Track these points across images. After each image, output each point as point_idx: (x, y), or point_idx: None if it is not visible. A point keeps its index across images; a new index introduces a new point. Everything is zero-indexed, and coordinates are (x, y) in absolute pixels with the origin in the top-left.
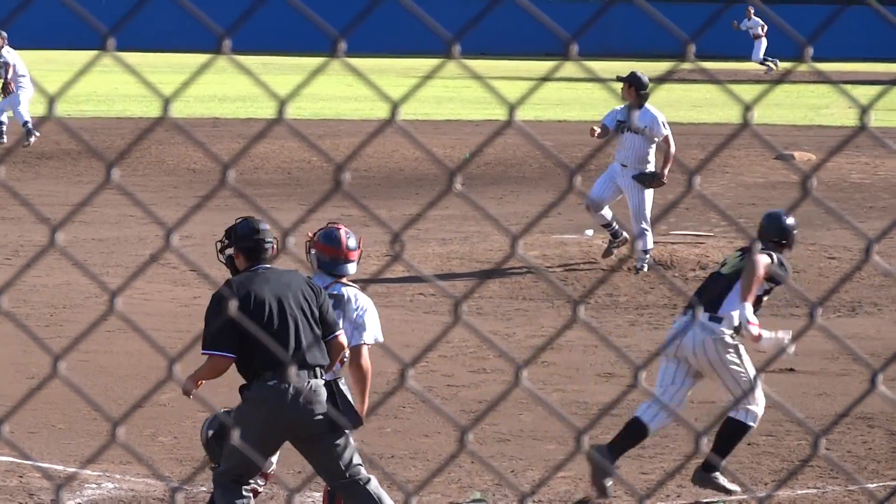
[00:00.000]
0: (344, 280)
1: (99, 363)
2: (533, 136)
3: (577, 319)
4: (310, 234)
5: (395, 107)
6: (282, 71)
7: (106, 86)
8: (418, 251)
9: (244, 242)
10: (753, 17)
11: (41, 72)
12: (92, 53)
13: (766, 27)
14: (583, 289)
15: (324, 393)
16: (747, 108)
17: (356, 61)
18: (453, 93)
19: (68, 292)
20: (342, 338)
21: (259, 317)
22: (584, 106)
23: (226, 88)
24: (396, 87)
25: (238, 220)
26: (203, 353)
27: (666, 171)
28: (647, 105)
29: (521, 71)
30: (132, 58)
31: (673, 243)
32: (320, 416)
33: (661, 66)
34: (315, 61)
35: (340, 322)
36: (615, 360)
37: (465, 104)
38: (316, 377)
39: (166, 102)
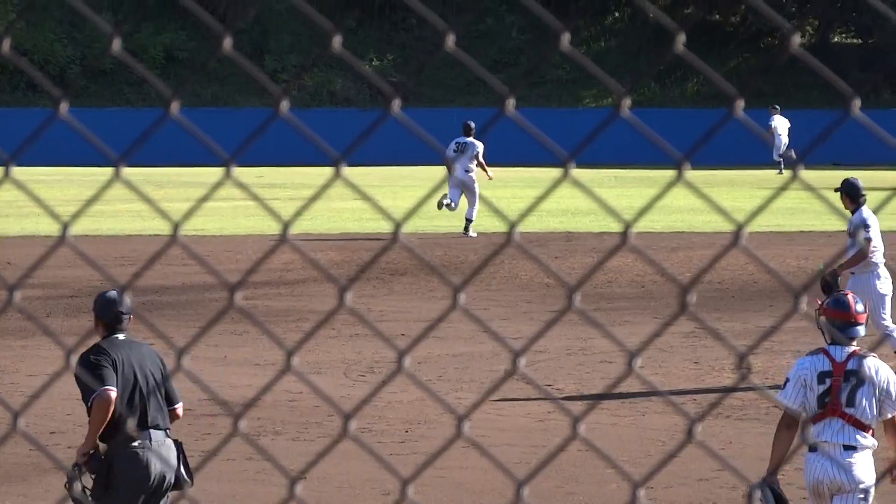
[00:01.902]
0: (856, 346)
1: (455, 478)
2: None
3: None
4: (818, 301)
5: (739, 228)
6: (633, 184)
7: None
8: (773, 363)
9: (107, 316)
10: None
11: (391, 189)
12: (439, 169)
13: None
14: None
15: (175, 453)
16: None
17: (702, 174)
18: (806, 204)
19: (423, 408)
20: (179, 410)
21: (123, 381)
22: None
23: (578, 202)
24: (750, 199)
25: (101, 294)
26: (94, 396)
27: (840, 269)
28: (863, 209)
29: (875, 181)
30: (481, 174)
31: None
32: (171, 474)
33: None
34: (666, 174)
35: None
36: None
37: (817, 215)
38: (168, 438)
39: (513, 226)
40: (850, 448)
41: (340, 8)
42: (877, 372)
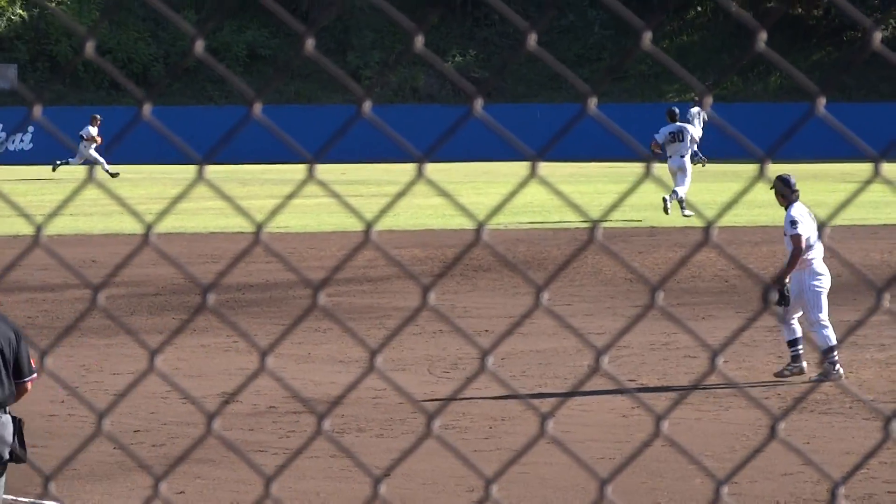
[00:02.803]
0: None
1: (539, 474)
2: None
3: None
4: None
5: (823, 224)
6: (716, 178)
7: (542, 196)
8: (857, 357)
9: None
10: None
11: (474, 185)
12: (523, 165)
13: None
14: None
15: (11, 429)
16: None
17: (785, 168)
18: (890, 197)
19: (506, 404)
20: (29, 385)
21: None
22: None
23: (661, 197)
24: (832, 192)
25: None
26: None
27: (783, 279)
28: (794, 206)
29: None
30: (565, 168)
31: None
32: (6, 449)
33: None
34: (748, 168)
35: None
36: None
37: None
38: (6, 414)
39: (595, 225)
40: None
41: (423, 4)
42: None
